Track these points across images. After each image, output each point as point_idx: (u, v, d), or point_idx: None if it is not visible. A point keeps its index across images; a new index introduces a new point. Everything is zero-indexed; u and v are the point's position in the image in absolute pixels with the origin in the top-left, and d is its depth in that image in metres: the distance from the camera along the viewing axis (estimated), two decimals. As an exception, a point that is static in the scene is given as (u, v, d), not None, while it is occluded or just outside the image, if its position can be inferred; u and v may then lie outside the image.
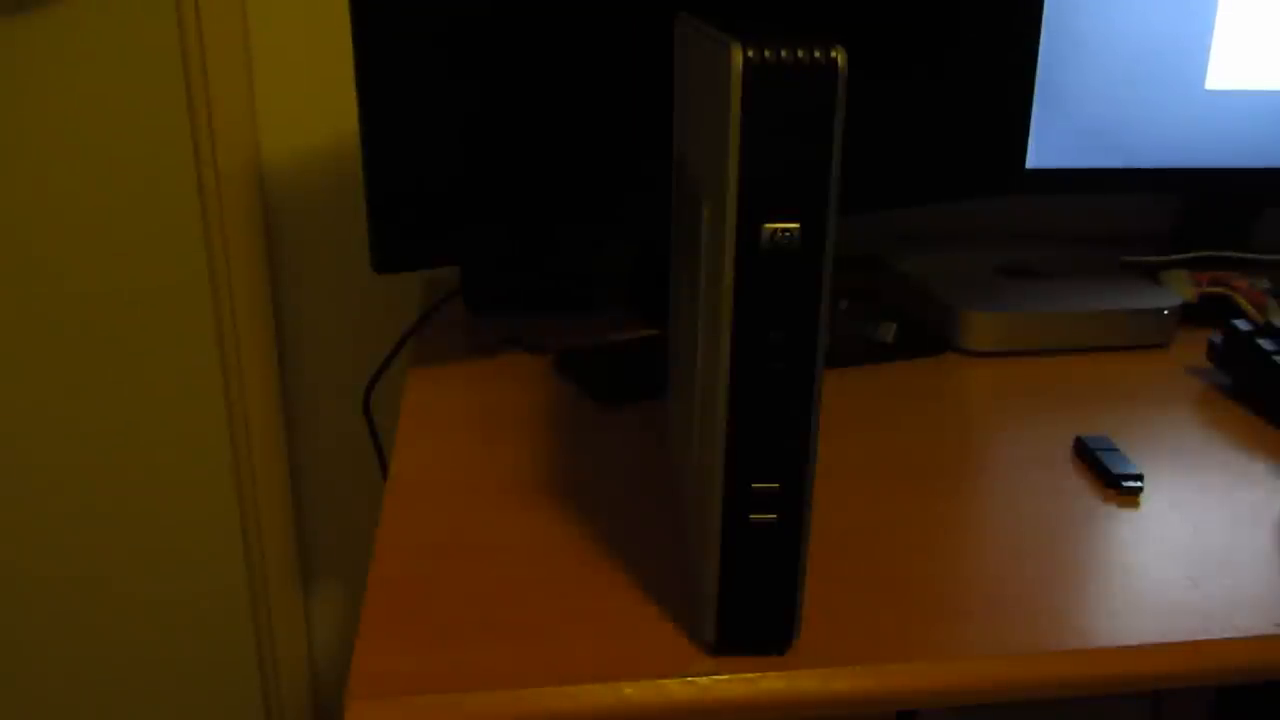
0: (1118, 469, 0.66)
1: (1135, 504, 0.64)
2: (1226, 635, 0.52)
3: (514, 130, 0.79)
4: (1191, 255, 1.04)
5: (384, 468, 0.74)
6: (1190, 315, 0.91)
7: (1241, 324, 0.80)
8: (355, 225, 1.11)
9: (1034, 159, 0.99)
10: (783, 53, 0.40)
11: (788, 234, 0.42)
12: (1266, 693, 0.61)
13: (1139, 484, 0.65)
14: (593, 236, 0.87)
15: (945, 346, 0.88)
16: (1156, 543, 0.60)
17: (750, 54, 0.40)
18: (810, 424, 0.45)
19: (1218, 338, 0.81)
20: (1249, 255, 1.04)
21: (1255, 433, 0.74)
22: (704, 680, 0.49)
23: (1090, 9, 0.95)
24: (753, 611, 0.49)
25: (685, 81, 0.58)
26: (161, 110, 1.06)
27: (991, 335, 0.86)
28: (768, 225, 0.42)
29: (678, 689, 0.49)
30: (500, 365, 0.85)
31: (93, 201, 1.09)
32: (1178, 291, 0.93)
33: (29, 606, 1.22)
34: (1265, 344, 0.77)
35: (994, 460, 0.70)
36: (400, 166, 0.77)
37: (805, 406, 0.45)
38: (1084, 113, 0.98)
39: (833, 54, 0.41)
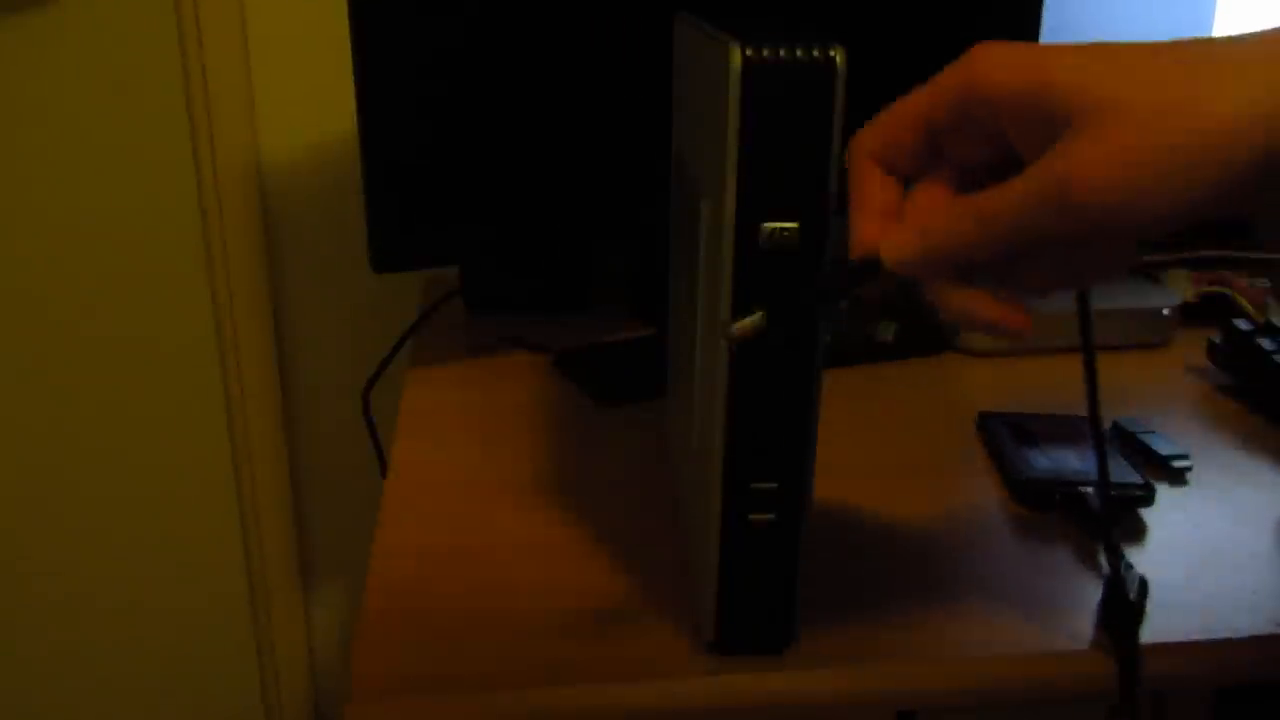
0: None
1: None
2: (1226, 635, 0.52)
3: (513, 130, 0.79)
4: (1191, 255, 1.04)
5: (383, 468, 0.74)
6: (1190, 315, 0.91)
7: (1241, 323, 0.80)
8: (355, 225, 1.11)
9: (1034, 159, 0.99)
10: (782, 53, 0.40)
11: (786, 233, 0.42)
12: (1266, 693, 0.61)
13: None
14: (592, 236, 0.87)
15: (945, 346, 0.88)
16: (1156, 543, 0.60)
17: (750, 54, 0.40)
18: (809, 423, 0.45)
19: (1218, 337, 0.81)
20: (1249, 255, 1.03)
21: (1255, 432, 0.74)
22: (704, 680, 0.49)
23: (1090, 8, 0.95)
24: (752, 611, 0.49)
25: (685, 81, 0.58)
26: (161, 110, 1.06)
27: (991, 336, 0.86)
28: (767, 225, 0.42)
29: (678, 689, 0.49)
30: (499, 365, 0.85)
31: (92, 201, 1.09)
32: (1178, 291, 0.93)
33: (27, 606, 1.22)
34: (1265, 343, 0.77)
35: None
36: (399, 166, 0.77)
37: (804, 406, 0.45)
38: (1084, 112, 0.98)
39: (832, 54, 0.40)
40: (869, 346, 0.86)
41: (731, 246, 0.42)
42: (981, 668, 0.50)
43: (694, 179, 0.52)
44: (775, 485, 0.46)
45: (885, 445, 0.72)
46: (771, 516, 0.47)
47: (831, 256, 0.43)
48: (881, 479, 0.67)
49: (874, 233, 0.41)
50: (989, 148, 0.40)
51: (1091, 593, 0.55)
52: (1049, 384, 0.81)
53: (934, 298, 0.41)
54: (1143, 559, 0.58)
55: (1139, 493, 0.62)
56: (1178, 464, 0.67)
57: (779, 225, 0.42)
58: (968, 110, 0.39)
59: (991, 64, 0.38)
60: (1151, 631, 0.52)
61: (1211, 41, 0.37)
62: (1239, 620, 0.53)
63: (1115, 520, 0.62)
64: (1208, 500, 0.65)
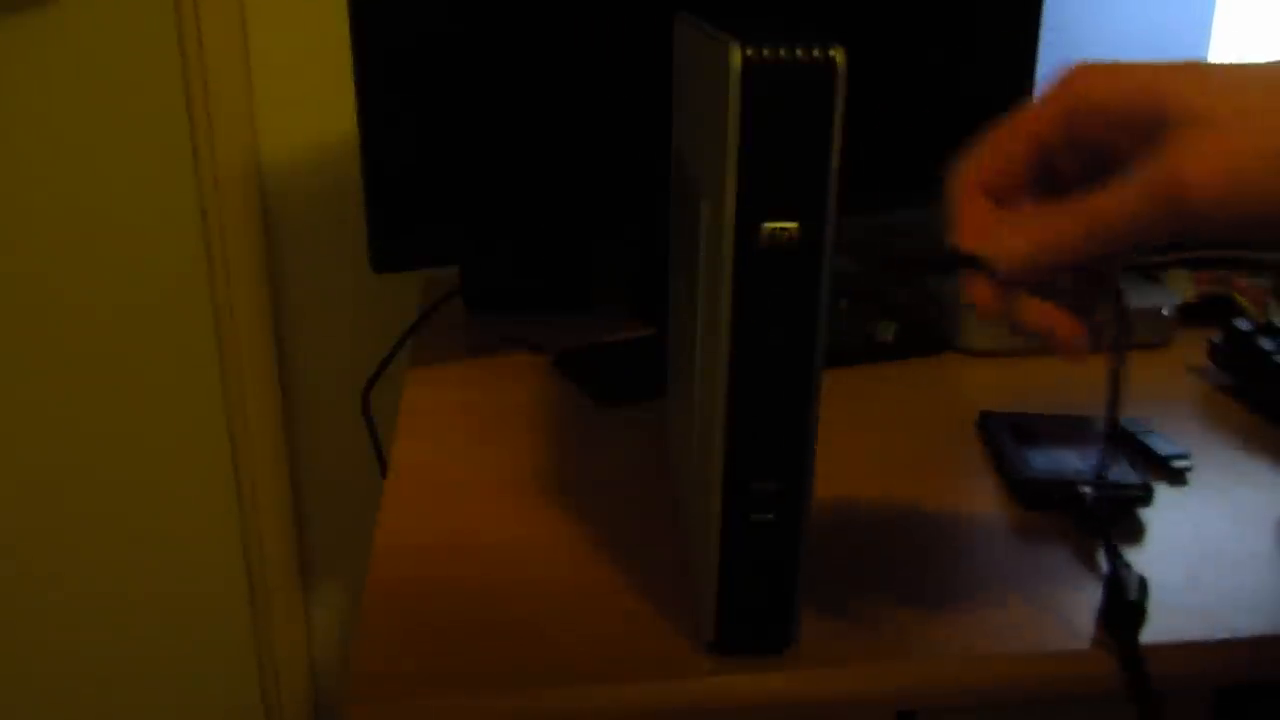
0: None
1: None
2: (1226, 635, 0.52)
3: (513, 130, 0.79)
4: (1191, 255, 1.04)
5: (383, 468, 0.74)
6: (1190, 315, 0.91)
7: (1242, 324, 0.80)
8: (354, 225, 1.11)
9: (1034, 159, 0.99)
10: (782, 52, 0.40)
11: (786, 233, 0.42)
12: (1266, 693, 0.61)
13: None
14: (592, 236, 0.87)
15: (945, 346, 0.88)
16: (1156, 543, 0.60)
17: (750, 54, 0.40)
18: (809, 423, 0.45)
19: (1218, 337, 0.81)
20: (1249, 255, 1.03)
21: (1255, 432, 0.74)
22: (704, 680, 0.49)
23: (1090, 7, 0.95)
24: (752, 611, 0.49)
25: (685, 81, 0.58)
26: (161, 110, 1.06)
27: (991, 335, 0.86)
28: (767, 224, 0.42)
29: (677, 689, 0.49)
30: (499, 365, 0.85)
31: (92, 202, 1.09)
32: (1178, 291, 0.93)
33: (28, 606, 1.22)
34: (1265, 343, 0.77)
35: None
36: (399, 166, 0.77)
37: (804, 406, 0.45)
38: (1084, 112, 0.98)
39: (832, 54, 0.40)
40: (869, 346, 0.86)
41: (731, 246, 0.42)
42: (981, 668, 0.51)
43: (694, 179, 0.52)
44: (775, 485, 0.46)
45: (885, 445, 0.72)
46: (771, 516, 0.47)
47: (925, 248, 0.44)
48: (881, 479, 0.67)
49: (974, 241, 0.43)
50: (1093, 164, 0.42)
51: (1091, 593, 0.55)
52: (1049, 384, 0.81)
53: (1016, 309, 0.44)
54: (1143, 559, 0.58)
55: (1137, 493, 0.62)
56: (1178, 464, 0.67)
57: (779, 225, 0.42)
58: (1076, 123, 0.42)
59: (1095, 77, 0.41)
60: (1151, 631, 0.52)
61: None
62: (1239, 620, 0.53)
63: (1114, 520, 0.62)
64: (1208, 500, 0.65)
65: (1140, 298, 0.89)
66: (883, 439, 0.72)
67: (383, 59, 0.74)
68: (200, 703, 1.28)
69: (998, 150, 0.44)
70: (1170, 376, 0.83)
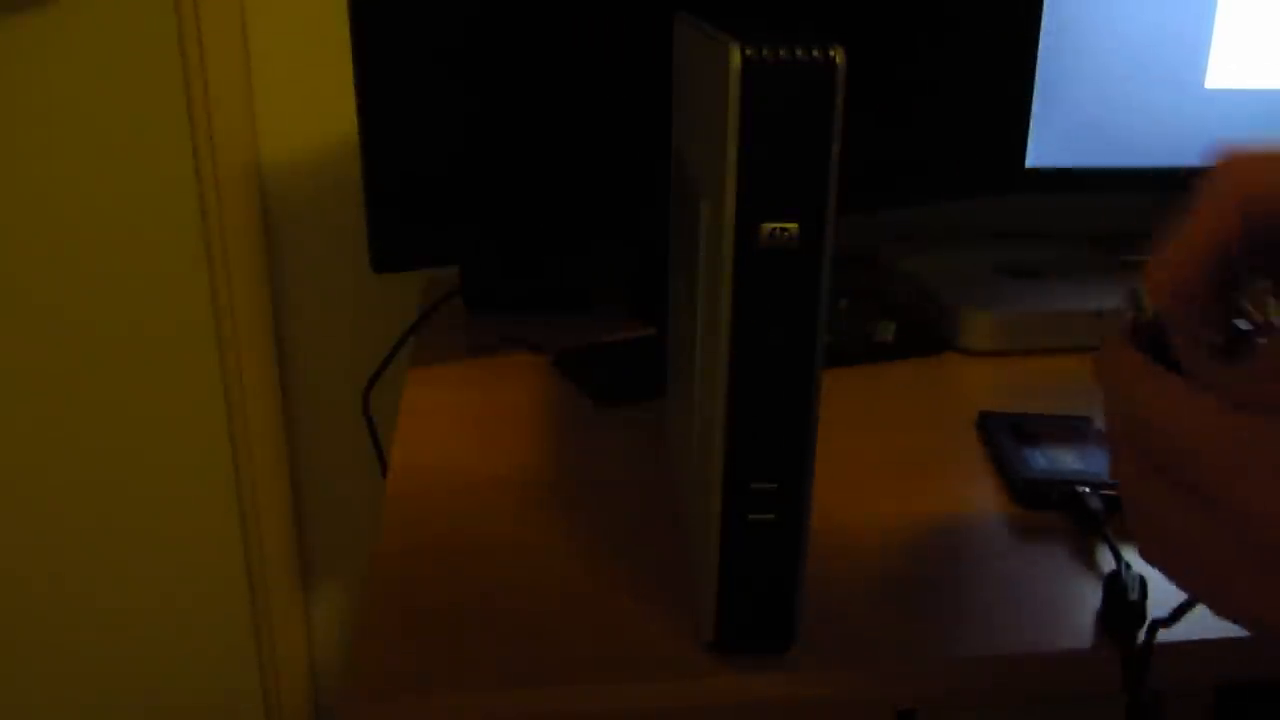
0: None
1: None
2: (1226, 635, 0.52)
3: (513, 130, 0.79)
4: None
5: (383, 467, 0.75)
6: (1190, 315, 0.91)
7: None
8: (355, 225, 1.11)
9: (1033, 158, 0.99)
10: (782, 52, 0.40)
11: (786, 233, 0.42)
12: (1266, 693, 0.61)
13: None
14: (592, 236, 0.87)
15: (945, 346, 0.88)
16: (1156, 542, 0.60)
17: (749, 54, 0.40)
18: (809, 423, 0.45)
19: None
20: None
21: (1255, 432, 0.74)
22: (704, 680, 0.49)
23: (1090, 7, 0.95)
24: (752, 611, 0.49)
25: (684, 81, 0.58)
26: (161, 110, 1.06)
27: (991, 335, 0.86)
28: (766, 224, 0.42)
29: (677, 689, 0.49)
30: (499, 365, 0.85)
31: (92, 202, 1.09)
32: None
33: (28, 606, 1.22)
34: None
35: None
36: (399, 166, 0.77)
37: (804, 406, 0.45)
38: (1083, 112, 0.98)
39: (832, 53, 0.40)
40: (869, 346, 0.86)
41: (731, 246, 0.42)
42: (981, 668, 0.51)
43: (694, 179, 0.52)
44: (775, 485, 0.46)
45: (885, 445, 0.72)
46: (771, 516, 0.47)
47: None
48: (881, 479, 0.67)
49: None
50: (1269, 252, 0.40)
51: (1091, 593, 0.55)
52: (1049, 384, 0.81)
53: None
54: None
55: None
56: None
57: (779, 225, 0.42)
58: (1251, 212, 0.39)
59: (1257, 166, 0.38)
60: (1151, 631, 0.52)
61: None
62: (1239, 620, 0.53)
63: (1114, 520, 0.62)
64: (1208, 500, 0.65)
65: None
66: (883, 439, 0.72)
67: (383, 59, 0.74)
68: (200, 703, 1.28)
69: (1182, 261, 0.41)
70: (1170, 376, 0.83)
